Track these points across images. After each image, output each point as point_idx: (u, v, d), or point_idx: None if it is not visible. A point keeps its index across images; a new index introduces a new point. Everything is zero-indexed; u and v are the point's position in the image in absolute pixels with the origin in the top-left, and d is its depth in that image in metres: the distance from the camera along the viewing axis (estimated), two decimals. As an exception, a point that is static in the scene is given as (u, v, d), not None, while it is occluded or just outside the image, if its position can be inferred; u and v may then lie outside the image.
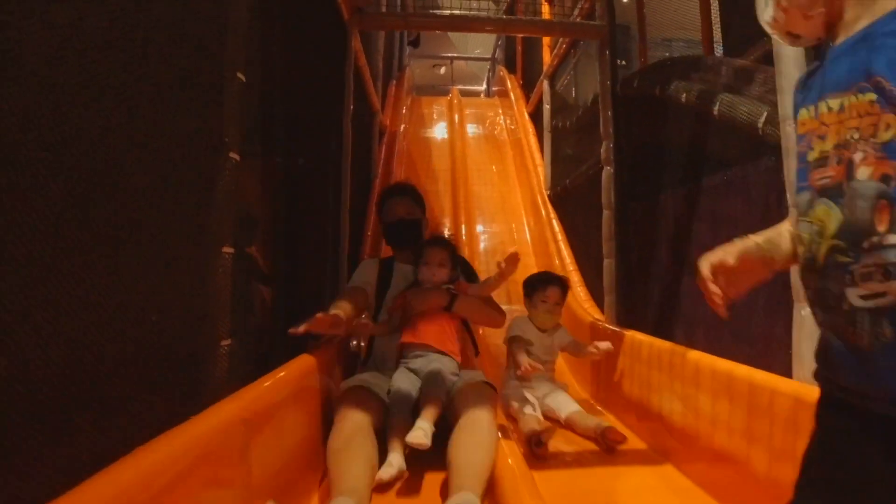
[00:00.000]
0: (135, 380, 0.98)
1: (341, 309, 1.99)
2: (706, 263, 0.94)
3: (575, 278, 3.69)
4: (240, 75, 1.41)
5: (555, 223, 4.18)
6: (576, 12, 3.74)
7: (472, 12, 3.08)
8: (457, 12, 3.05)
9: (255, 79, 1.50)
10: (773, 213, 1.68)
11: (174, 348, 1.14)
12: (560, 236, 4.07)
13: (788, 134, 1.53)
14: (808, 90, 0.86)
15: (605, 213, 3.10)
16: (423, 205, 2.56)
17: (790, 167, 1.52)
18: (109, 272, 0.92)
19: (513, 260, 2.02)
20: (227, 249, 1.35)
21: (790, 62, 1.53)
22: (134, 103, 0.99)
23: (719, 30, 2.76)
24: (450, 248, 2.29)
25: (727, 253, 0.93)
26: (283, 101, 1.89)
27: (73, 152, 0.81)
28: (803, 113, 0.85)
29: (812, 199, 0.81)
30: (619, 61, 3.28)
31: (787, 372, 1.58)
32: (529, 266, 4.18)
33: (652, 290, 2.74)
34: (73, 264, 0.82)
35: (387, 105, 5.32)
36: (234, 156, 1.38)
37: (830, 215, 0.77)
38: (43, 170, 0.75)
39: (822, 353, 0.84)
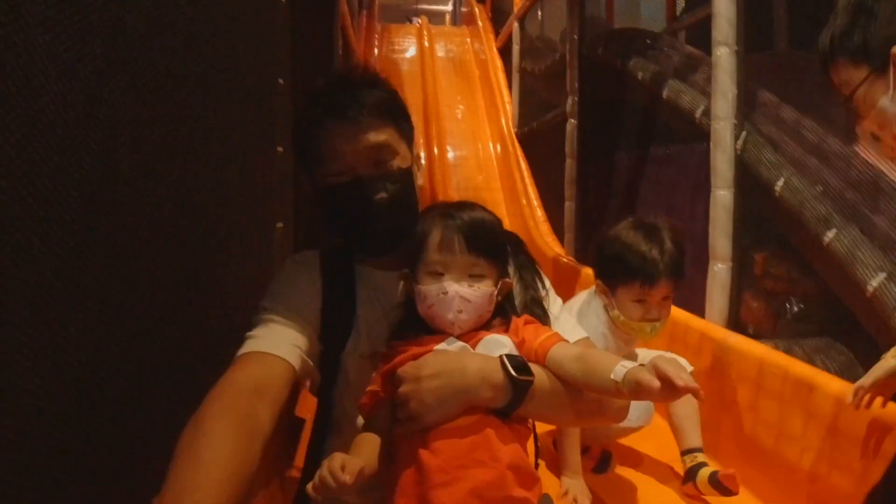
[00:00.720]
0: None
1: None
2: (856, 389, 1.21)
3: (539, 214, 4.13)
4: (280, 80, 1.71)
5: (521, 162, 4.56)
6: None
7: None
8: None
9: (287, 78, 1.79)
10: (701, 187, 2.11)
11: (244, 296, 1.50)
12: (526, 174, 4.46)
13: (717, 130, 1.94)
14: None
15: (568, 161, 3.50)
16: (412, 133, 1.09)
17: (716, 157, 1.95)
18: (205, 245, 1.25)
19: (676, 393, 0.72)
20: (279, 224, 1.71)
21: (725, 74, 1.91)
22: (212, 119, 1.25)
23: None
24: (496, 228, 0.96)
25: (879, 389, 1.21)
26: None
27: (177, 159, 1.05)
28: None
29: None
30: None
31: (702, 311, 2.07)
32: (497, 202, 4.58)
33: (605, 232, 3.20)
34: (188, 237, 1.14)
35: (359, 38, 5.45)
36: (280, 148, 1.71)
37: None
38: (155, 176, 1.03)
39: None
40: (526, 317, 0.96)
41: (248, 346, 0.91)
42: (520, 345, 0.91)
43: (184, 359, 0.99)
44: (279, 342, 0.92)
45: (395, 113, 1.03)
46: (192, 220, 1.09)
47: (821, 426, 1.44)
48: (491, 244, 0.93)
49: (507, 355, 0.86)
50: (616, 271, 1.51)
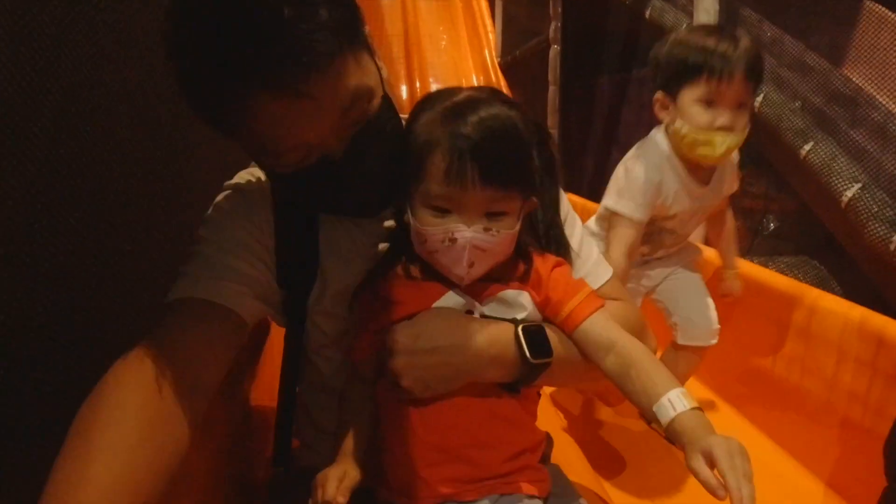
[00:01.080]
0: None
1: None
2: None
3: (522, 145, 4.11)
4: None
5: (505, 91, 4.50)
6: None
7: None
8: None
9: None
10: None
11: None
12: (509, 104, 4.41)
13: (698, 48, 1.93)
14: None
15: (551, 89, 3.46)
16: (364, 25, 0.67)
17: (697, 76, 1.95)
18: (180, 181, 1.26)
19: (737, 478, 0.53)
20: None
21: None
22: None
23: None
24: (520, 135, 0.66)
25: None
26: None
27: (153, 94, 1.09)
28: None
29: None
30: None
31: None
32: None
33: (587, 160, 3.21)
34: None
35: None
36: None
37: None
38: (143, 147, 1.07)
39: None
40: (553, 259, 0.76)
41: (181, 290, 0.69)
42: (542, 304, 0.73)
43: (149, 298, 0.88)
44: (222, 285, 0.70)
45: (350, 29, 0.63)
46: (168, 157, 1.09)
47: (793, 333, 1.50)
48: (516, 166, 0.67)
49: (524, 328, 0.70)
50: (677, 72, 1.21)
